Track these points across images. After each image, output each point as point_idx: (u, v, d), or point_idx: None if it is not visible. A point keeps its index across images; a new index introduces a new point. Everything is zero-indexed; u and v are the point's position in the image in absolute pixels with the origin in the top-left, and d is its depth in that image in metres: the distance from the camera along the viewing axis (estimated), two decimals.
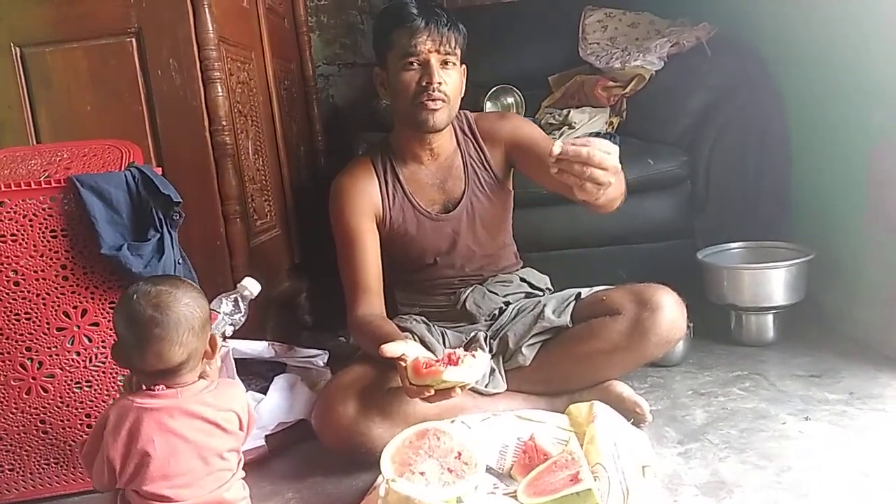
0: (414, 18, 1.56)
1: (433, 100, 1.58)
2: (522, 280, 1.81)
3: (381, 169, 1.71)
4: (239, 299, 1.51)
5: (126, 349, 1.08)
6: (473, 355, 1.34)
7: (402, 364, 1.33)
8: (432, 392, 1.30)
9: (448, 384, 1.29)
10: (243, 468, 1.18)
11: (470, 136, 1.75)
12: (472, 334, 1.69)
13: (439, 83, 1.57)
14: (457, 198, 1.72)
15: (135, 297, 1.07)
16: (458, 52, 1.61)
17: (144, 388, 1.10)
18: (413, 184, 1.71)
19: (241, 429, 1.15)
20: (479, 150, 1.74)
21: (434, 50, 1.57)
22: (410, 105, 1.60)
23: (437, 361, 1.31)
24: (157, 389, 1.08)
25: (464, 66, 1.65)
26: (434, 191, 1.72)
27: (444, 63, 1.59)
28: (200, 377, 1.14)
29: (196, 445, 1.08)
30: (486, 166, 1.73)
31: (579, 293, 1.67)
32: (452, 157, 1.73)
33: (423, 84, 1.57)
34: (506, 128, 1.74)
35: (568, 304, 1.64)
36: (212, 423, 1.10)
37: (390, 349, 1.36)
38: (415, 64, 1.58)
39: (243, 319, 1.52)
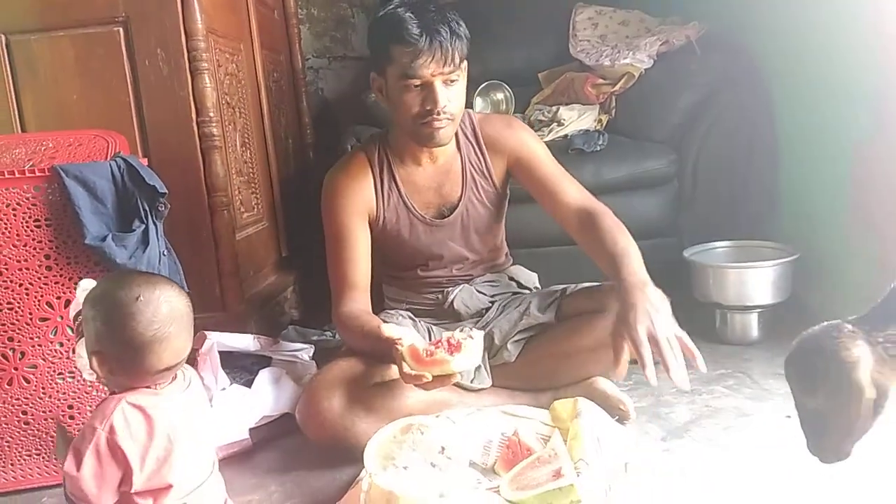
0: (416, 40, 1.44)
1: (438, 121, 1.52)
2: (511, 279, 1.80)
3: (377, 167, 1.66)
4: None
5: (132, 357, 0.99)
6: (471, 336, 1.35)
7: (399, 348, 1.33)
8: (429, 378, 1.30)
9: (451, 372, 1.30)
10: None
11: (472, 140, 1.68)
12: (459, 329, 1.69)
13: (444, 105, 1.50)
14: (453, 203, 1.68)
15: (139, 299, 0.98)
16: (463, 62, 1.52)
17: (136, 387, 1.02)
18: (409, 186, 1.66)
19: None
20: (480, 156, 1.68)
21: (438, 72, 1.47)
22: (412, 123, 1.53)
23: (437, 347, 1.31)
24: (156, 387, 1.02)
25: (465, 63, 1.55)
26: (430, 194, 1.68)
27: (448, 80, 1.50)
28: None
29: (200, 431, 1.07)
30: (486, 174, 1.68)
31: (565, 290, 1.67)
32: (452, 160, 1.67)
33: (427, 108, 1.50)
34: (511, 139, 1.67)
35: (553, 301, 1.64)
36: (204, 407, 1.10)
37: (389, 329, 1.38)
38: (417, 85, 1.49)
39: None
